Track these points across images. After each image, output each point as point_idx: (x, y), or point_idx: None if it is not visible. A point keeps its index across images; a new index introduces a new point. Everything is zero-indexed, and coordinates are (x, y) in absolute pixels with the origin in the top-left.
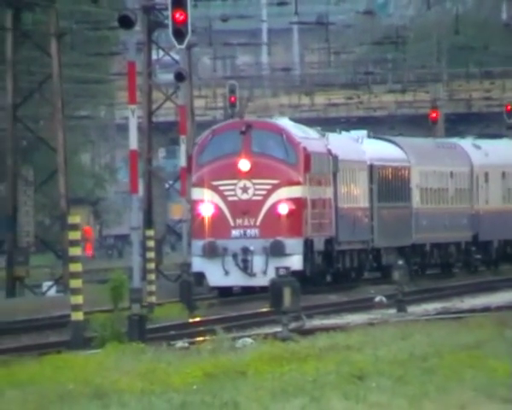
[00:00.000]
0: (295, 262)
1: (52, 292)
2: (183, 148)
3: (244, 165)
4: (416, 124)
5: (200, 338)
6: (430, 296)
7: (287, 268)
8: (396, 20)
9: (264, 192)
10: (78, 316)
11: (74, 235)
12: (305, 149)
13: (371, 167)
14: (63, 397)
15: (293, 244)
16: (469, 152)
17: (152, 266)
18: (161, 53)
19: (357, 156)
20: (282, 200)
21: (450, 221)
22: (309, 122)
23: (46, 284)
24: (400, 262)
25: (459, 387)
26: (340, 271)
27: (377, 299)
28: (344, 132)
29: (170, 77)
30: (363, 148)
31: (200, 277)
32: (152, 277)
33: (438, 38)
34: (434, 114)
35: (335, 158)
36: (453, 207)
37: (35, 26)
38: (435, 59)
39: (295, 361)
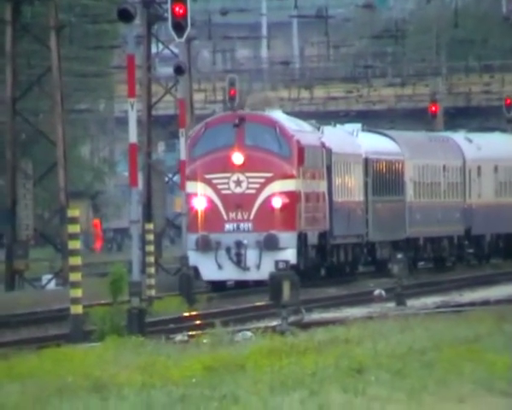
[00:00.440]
0: (289, 256)
1: (51, 285)
2: (182, 141)
3: (237, 158)
4: (416, 117)
5: (200, 332)
6: (429, 290)
7: (286, 262)
8: (395, 13)
9: (257, 186)
10: (77, 309)
11: (74, 228)
12: (298, 141)
13: (366, 161)
14: (62, 390)
15: (287, 238)
16: (462, 146)
17: (151, 259)
18: (161, 46)
19: (352, 150)
20: (276, 193)
21: (443, 215)
22: (308, 116)
23: (45, 278)
24: (399, 256)
25: (458, 380)
26: (334, 265)
27: (376, 292)
28: (339, 126)
29: (169, 70)
30: (358, 141)
31: (194, 271)
32: (151, 270)
33: (437, 31)
34: (434, 108)
35: (329, 151)
36: (446, 201)
37: (34, 20)
38: (435, 52)
39: (294, 355)
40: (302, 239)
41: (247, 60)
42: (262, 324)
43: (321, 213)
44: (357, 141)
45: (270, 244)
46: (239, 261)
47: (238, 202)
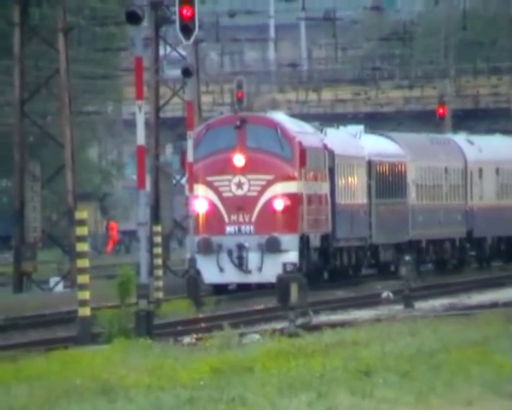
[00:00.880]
0: (291, 259)
1: (59, 288)
2: (190, 143)
3: (239, 160)
4: (424, 120)
5: (208, 334)
6: (437, 292)
7: (294, 264)
8: (403, 15)
9: (259, 188)
10: (85, 312)
11: (81, 230)
12: (300, 143)
13: (369, 163)
14: (70, 392)
15: (289, 240)
16: (463, 148)
17: (159, 261)
18: (168, 49)
19: (355, 152)
20: (278, 195)
21: (444, 218)
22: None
23: (53, 280)
24: (407, 258)
25: (466, 383)
26: (337, 268)
27: (384, 295)
28: (341, 128)
29: (177, 72)
30: (361, 143)
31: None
32: (159, 272)
33: (445, 33)
34: (442, 110)
35: (332, 153)
36: (448, 203)
37: (42, 22)
38: (443, 55)
39: (302, 357)
40: (304, 242)
41: (254, 62)
42: (270, 326)
43: (323, 216)
44: (360, 143)
45: (272, 247)
46: (241, 264)
47: (240, 205)
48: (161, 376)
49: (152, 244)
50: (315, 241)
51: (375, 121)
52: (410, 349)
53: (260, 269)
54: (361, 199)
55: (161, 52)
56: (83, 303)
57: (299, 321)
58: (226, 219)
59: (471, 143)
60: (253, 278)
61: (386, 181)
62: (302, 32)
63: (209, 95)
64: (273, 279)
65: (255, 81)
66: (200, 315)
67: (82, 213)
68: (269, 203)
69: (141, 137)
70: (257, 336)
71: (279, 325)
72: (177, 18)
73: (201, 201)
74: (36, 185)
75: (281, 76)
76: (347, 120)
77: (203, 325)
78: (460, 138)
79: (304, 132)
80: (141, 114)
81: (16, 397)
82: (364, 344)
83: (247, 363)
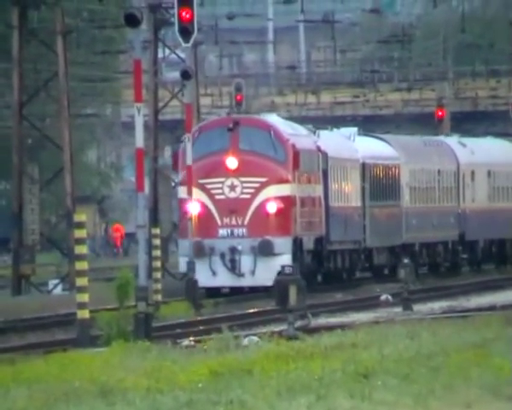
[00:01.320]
0: (284, 262)
1: (58, 290)
2: (189, 146)
3: (231, 162)
4: (422, 122)
5: (206, 336)
6: (436, 295)
7: (293, 267)
8: (402, 18)
9: (251, 190)
10: (84, 314)
11: (80, 233)
12: (293, 145)
13: (363, 165)
14: (69, 395)
15: (282, 243)
16: (455, 150)
17: (158, 264)
18: (167, 51)
19: (348, 154)
20: (271, 198)
21: (437, 220)
22: (315, 121)
23: (52, 282)
24: (406, 260)
25: (465, 385)
26: (331, 270)
27: (383, 297)
28: (335, 130)
29: (176, 75)
30: (355, 146)
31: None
32: (158, 275)
33: (444, 36)
34: (440, 113)
35: (325, 155)
36: (440, 206)
37: (41, 24)
38: (441, 57)
39: (301, 360)
40: (297, 244)
41: (253, 64)
42: (269, 329)
43: (317, 218)
44: (353, 145)
45: (265, 250)
46: (233, 267)
47: (232, 208)
48: (160, 378)
49: (151, 247)
50: (308, 244)
51: (373, 124)
52: (408, 352)
53: (253, 272)
54: (355, 202)
55: (160, 54)
56: (81, 306)
57: (298, 324)
58: (219, 222)
59: (463, 145)
60: (246, 282)
61: (380, 184)
62: (301, 35)
63: (208, 97)
64: (266, 283)
65: (254, 84)
66: (199, 318)
67: (81, 216)
68: (262, 206)
69: (139, 140)
70: (256, 339)
71: (278, 328)
72: (175, 20)
73: (194, 203)
74: (34, 188)
75: (280, 78)
76: (346, 123)
77: (202, 327)
78: (452, 141)
79: (297, 135)
80: (140, 116)
81: (15, 400)
82: (363, 347)
83: (245, 366)
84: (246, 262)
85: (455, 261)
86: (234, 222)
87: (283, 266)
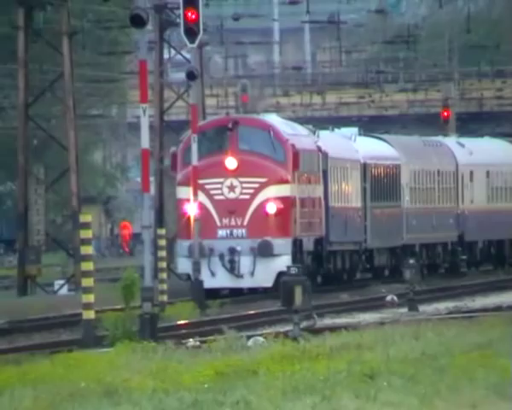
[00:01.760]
0: (284, 263)
1: (64, 291)
2: (194, 147)
3: (231, 163)
4: (428, 123)
5: (212, 337)
6: (441, 295)
7: (298, 267)
8: (408, 18)
9: (251, 191)
10: (89, 315)
11: (86, 233)
12: (293, 146)
13: (364, 166)
14: (74, 395)
15: (282, 244)
16: (454, 150)
17: (163, 264)
18: (173, 52)
19: (349, 154)
20: (270, 199)
21: (437, 221)
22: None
23: (58, 283)
24: (411, 261)
25: (470, 386)
26: (331, 272)
27: (388, 298)
28: (336, 130)
29: (181, 76)
30: (356, 146)
31: (188, 278)
32: (163, 275)
33: (449, 36)
34: (446, 113)
35: (325, 155)
36: (440, 206)
37: (47, 25)
38: (447, 58)
39: (306, 360)
40: (297, 245)
41: (259, 65)
42: (274, 329)
43: (317, 219)
44: (354, 146)
45: (265, 251)
46: (232, 268)
47: (231, 208)
48: (165, 379)
49: (156, 247)
50: (308, 245)
51: (379, 124)
52: (414, 353)
53: (252, 273)
54: (355, 202)
55: (166, 55)
56: (87, 306)
57: (304, 324)
58: (218, 223)
59: (462, 145)
60: (245, 283)
61: (381, 184)
62: (306, 36)
63: (213, 98)
64: (265, 284)
65: (259, 84)
66: (205, 318)
67: (86, 217)
68: (261, 207)
69: (145, 141)
70: (261, 340)
71: (283, 329)
72: (181, 21)
73: (193, 204)
74: (40, 188)
75: (285, 79)
76: (352, 123)
77: (207, 328)
78: (451, 141)
79: (297, 135)
80: (145, 117)
81: (21, 400)
82: (369, 347)
83: (251, 366)
84: (245, 263)
85: (454, 262)
86: (233, 223)
87: (289, 267)
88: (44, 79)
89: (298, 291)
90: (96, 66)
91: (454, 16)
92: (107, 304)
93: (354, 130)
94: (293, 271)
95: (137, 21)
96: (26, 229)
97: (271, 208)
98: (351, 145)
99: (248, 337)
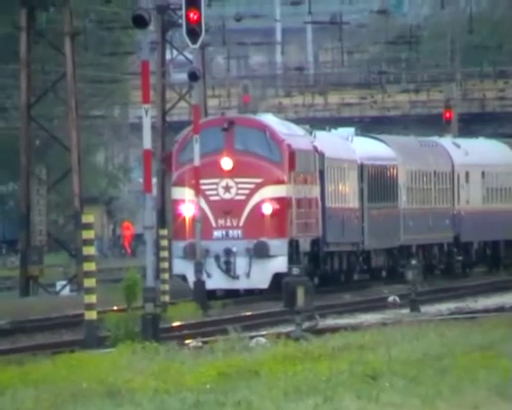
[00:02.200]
0: (280, 264)
1: (66, 291)
2: (196, 148)
3: (226, 163)
4: (430, 124)
5: (214, 338)
6: (443, 296)
7: (300, 268)
8: (410, 19)
9: (247, 191)
10: (91, 315)
11: (88, 234)
12: (289, 146)
13: (361, 166)
14: (77, 396)
15: (278, 245)
16: (450, 151)
17: (165, 265)
18: (175, 52)
19: (346, 155)
20: (266, 199)
21: (433, 222)
22: (322, 122)
23: (60, 284)
24: (414, 262)
25: (472, 387)
26: (328, 273)
27: (390, 299)
28: (333, 130)
29: (183, 76)
30: (353, 146)
31: (183, 279)
32: (165, 276)
33: (452, 37)
34: (448, 114)
35: (322, 156)
36: (436, 207)
37: (49, 26)
38: (449, 58)
39: (308, 361)
40: (293, 246)
41: (261, 66)
42: (276, 330)
43: (313, 220)
44: (351, 146)
45: (261, 252)
46: (228, 270)
47: (227, 209)
48: (167, 379)
49: (158, 248)
50: (305, 245)
51: (381, 125)
52: (416, 353)
53: (248, 275)
54: (352, 203)
55: (168, 56)
56: (89, 307)
57: (306, 325)
58: (213, 224)
59: (457, 146)
60: (241, 284)
61: (378, 184)
62: (308, 36)
63: (215, 99)
64: (261, 285)
65: (261, 85)
66: (207, 319)
67: (88, 217)
68: (257, 207)
69: (147, 141)
70: (263, 340)
71: (285, 329)
72: (183, 22)
73: (188, 204)
74: (42, 189)
75: (287, 80)
76: (354, 124)
77: (209, 328)
78: (446, 141)
79: (293, 135)
80: (147, 117)
81: (23, 401)
82: (371, 348)
83: (253, 367)
84: (241, 264)
85: (450, 263)
86: (229, 224)
87: (291, 268)
88: (47, 79)
89: (300, 292)
90: (98, 66)
91: (456, 17)
92: (110, 305)
93: (351, 130)
94: (296, 271)
95: (140, 22)
96: (28, 229)
97: (267, 209)
98: (348, 145)
99: (250, 338)
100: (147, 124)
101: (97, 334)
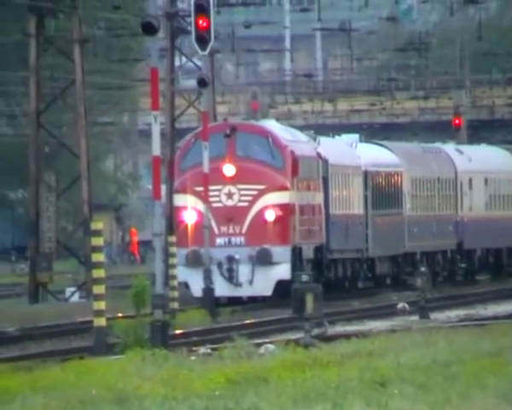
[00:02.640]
0: (283, 271)
1: (75, 298)
2: (205, 154)
3: (229, 170)
4: (439, 130)
5: (223, 344)
6: (453, 303)
7: (309, 275)
8: (419, 26)
9: (249, 198)
10: (100, 322)
11: (97, 241)
12: (292, 152)
13: (366, 173)
14: (86, 403)
15: (281, 252)
16: (453, 157)
17: (174, 272)
18: (184, 59)
19: (350, 161)
20: (269, 206)
21: (437, 229)
22: (331, 128)
23: (69, 290)
24: (423, 269)
25: (481, 394)
26: (331, 280)
27: (400, 306)
28: (337, 137)
29: (193, 83)
30: (357, 153)
31: (185, 287)
32: (174, 283)
33: (461, 44)
34: (457, 121)
35: (326, 162)
36: (440, 214)
37: (58, 33)
38: (458, 65)
39: (317, 368)
40: (297, 253)
41: (270, 72)
42: (285, 337)
43: (316, 226)
44: (355, 152)
45: (264, 259)
46: (231, 277)
47: (230, 216)
48: (176, 386)
49: (167, 255)
50: (308, 252)
51: (390, 132)
52: (425, 360)
53: (251, 282)
54: (357, 210)
55: (177, 63)
56: (98, 313)
57: (315, 332)
58: (216, 231)
59: (460, 152)
60: (244, 292)
61: (383, 191)
62: (318, 43)
63: (224, 105)
64: (264, 292)
65: (270, 92)
66: (216, 326)
67: (97, 224)
68: (260, 214)
69: (156, 148)
70: (272, 347)
71: (294, 336)
72: (192, 29)
73: (190, 212)
74: (51, 196)
75: (296, 86)
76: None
77: (218, 335)
78: (450, 148)
79: (296, 141)
80: (156, 124)
81: (32, 407)
82: (380, 355)
83: (262, 373)
84: (243, 272)
85: (454, 271)
86: (231, 231)
87: (299, 274)
88: (56, 86)
89: (309, 299)
90: (107, 73)
91: (465, 23)
92: (119, 311)
93: (355, 136)
94: (305, 278)
95: (149, 29)
96: (37, 236)
97: (270, 216)
98: (352, 152)
99: (259, 345)
100: (156, 130)
101: (106, 341)
